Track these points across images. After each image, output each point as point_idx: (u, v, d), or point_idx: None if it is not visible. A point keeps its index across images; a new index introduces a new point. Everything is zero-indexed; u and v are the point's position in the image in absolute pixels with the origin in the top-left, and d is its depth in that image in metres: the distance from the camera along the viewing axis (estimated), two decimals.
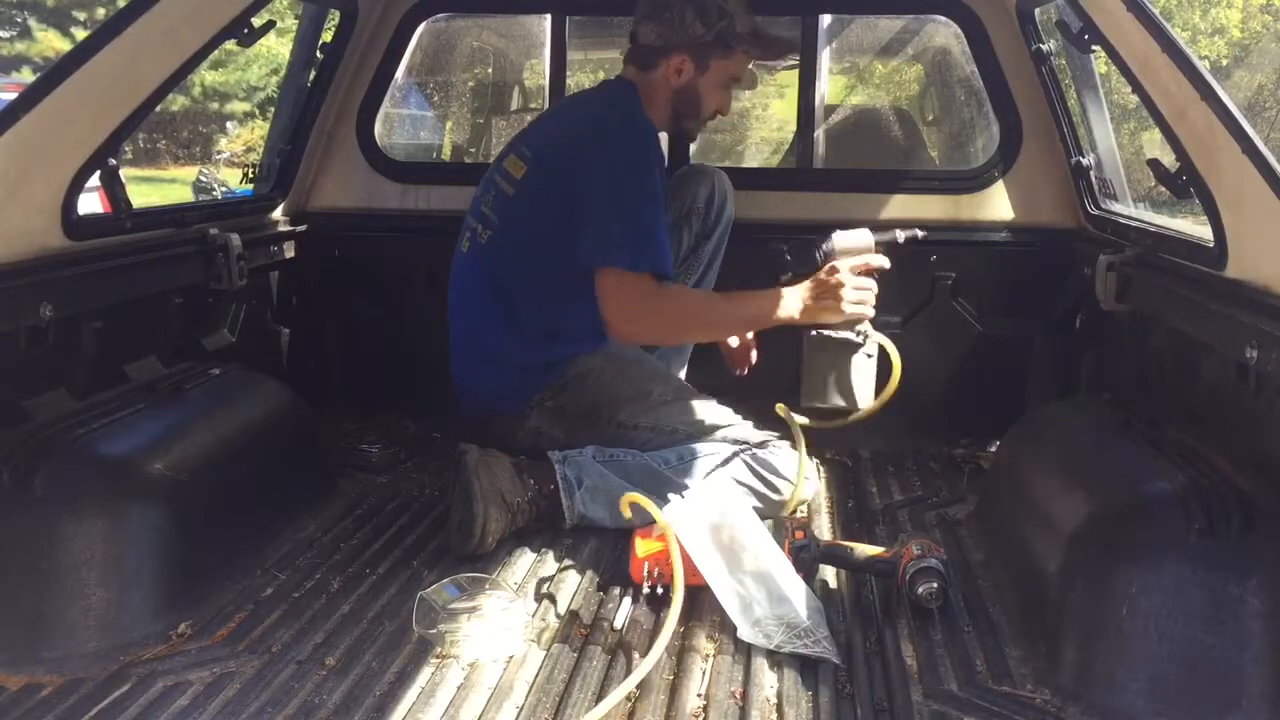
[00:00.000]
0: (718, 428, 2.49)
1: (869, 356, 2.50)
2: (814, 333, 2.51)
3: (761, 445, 2.44)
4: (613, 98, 2.58)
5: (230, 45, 2.42)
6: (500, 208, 2.53)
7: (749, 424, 2.52)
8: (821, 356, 2.51)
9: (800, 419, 2.48)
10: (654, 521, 2.03)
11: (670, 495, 2.10)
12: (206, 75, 17.23)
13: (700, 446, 2.46)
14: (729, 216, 2.81)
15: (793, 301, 2.46)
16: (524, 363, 2.52)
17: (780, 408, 2.49)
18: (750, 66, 2.66)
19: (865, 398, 2.51)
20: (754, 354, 2.80)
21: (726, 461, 2.41)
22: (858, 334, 2.49)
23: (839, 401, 2.50)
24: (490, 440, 2.44)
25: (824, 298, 2.45)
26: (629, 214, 2.38)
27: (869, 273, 2.49)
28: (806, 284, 2.47)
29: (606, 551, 2.22)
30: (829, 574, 2.13)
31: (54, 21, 17.67)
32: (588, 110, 2.62)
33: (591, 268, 2.40)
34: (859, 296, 2.45)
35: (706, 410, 2.53)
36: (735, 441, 2.46)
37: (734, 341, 2.79)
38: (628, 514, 2.11)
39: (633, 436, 2.49)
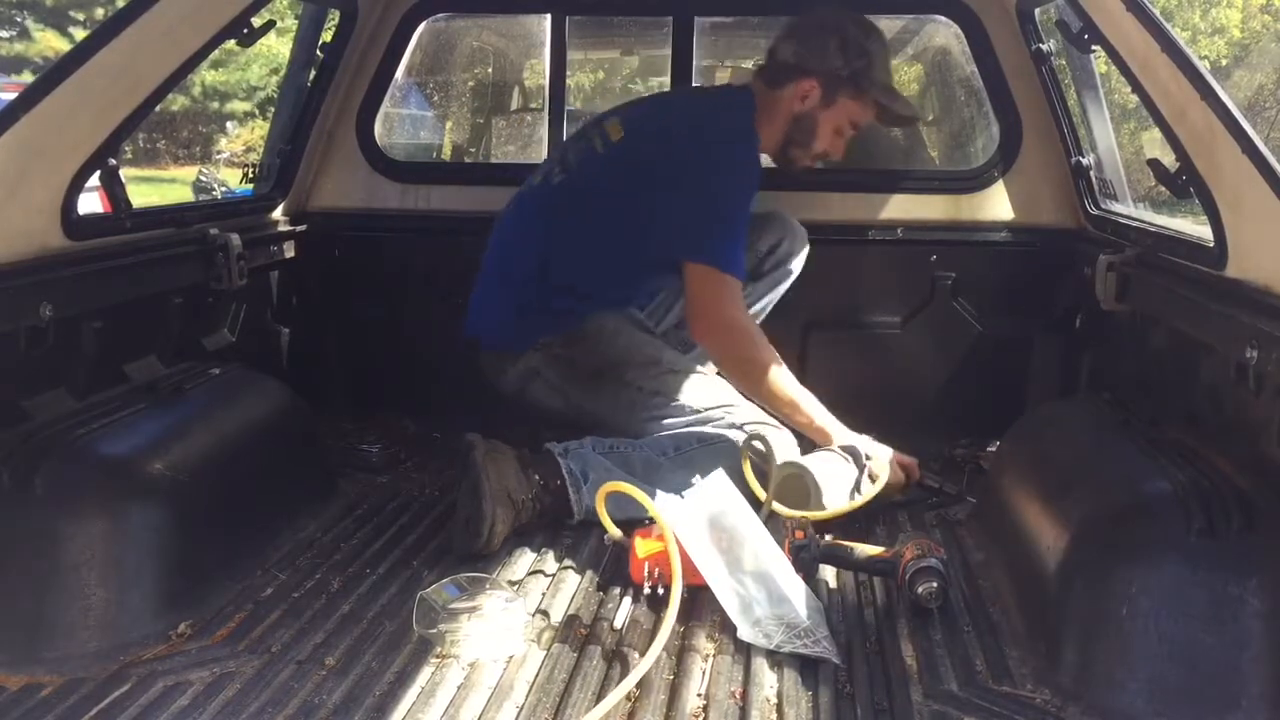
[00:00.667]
0: (720, 406, 2.51)
1: (858, 491, 2.44)
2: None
3: (760, 433, 2.42)
4: (729, 102, 2.62)
5: (230, 45, 2.42)
6: (583, 160, 2.60)
7: (752, 407, 2.52)
8: (830, 451, 2.46)
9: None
10: (644, 514, 2.03)
11: (669, 488, 2.09)
12: (206, 75, 17.26)
13: (698, 434, 2.46)
14: (791, 271, 2.81)
15: (840, 428, 2.47)
16: (543, 307, 2.56)
17: (747, 467, 2.39)
18: None
19: (836, 500, 2.40)
20: None
21: (723, 449, 2.41)
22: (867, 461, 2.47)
23: (812, 475, 2.37)
24: (477, 368, 2.51)
25: (864, 444, 2.46)
26: (724, 216, 2.44)
27: (906, 468, 2.49)
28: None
29: (607, 551, 2.21)
30: (829, 574, 2.13)
31: (53, 22, 17.69)
32: (701, 106, 2.68)
33: (680, 259, 2.45)
34: (892, 468, 2.44)
35: (711, 388, 2.55)
36: (735, 426, 2.47)
37: None
38: (602, 510, 2.12)
39: (635, 398, 2.52)
